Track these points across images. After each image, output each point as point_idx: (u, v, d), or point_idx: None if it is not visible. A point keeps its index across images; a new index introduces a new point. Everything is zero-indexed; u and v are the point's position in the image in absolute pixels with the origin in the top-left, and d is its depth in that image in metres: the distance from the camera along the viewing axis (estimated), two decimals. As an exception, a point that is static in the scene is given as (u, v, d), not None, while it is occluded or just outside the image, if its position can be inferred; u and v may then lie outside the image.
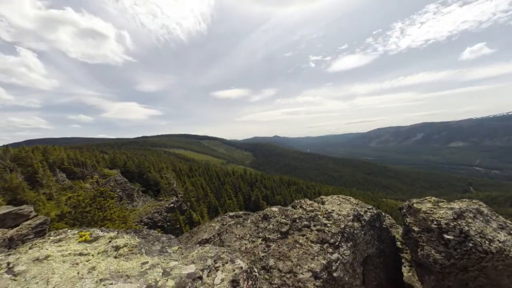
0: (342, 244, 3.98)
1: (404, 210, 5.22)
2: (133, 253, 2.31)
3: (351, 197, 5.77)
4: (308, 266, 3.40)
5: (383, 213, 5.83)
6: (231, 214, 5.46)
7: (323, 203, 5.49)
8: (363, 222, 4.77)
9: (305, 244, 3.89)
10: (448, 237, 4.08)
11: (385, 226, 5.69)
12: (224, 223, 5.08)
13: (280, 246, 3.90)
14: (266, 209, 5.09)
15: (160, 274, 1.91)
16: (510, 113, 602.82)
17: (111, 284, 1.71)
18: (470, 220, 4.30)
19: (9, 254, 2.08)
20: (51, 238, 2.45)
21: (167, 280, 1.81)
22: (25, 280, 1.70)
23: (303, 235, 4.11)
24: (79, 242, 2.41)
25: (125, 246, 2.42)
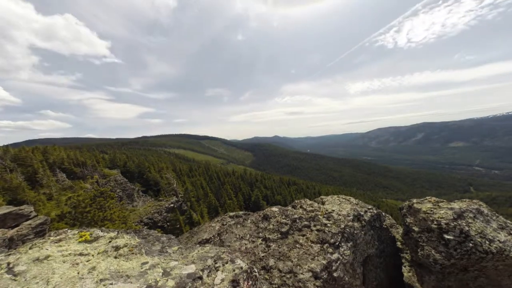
0: (342, 244, 3.97)
1: (404, 210, 5.22)
2: (133, 253, 2.31)
3: (351, 197, 5.77)
4: (308, 266, 3.40)
5: (383, 213, 5.83)
6: (231, 214, 5.45)
7: (323, 203, 5.48)
8: (363, 222, 4.77)
9: (305, 244, 3.89)
10: (448, 237, 4.08)
11: (385, 226, 5.68)
12: (224, 223, 5.07)
13: (280, 246, 3.90)
14: (266, 209, 5.09)
15: (160, 274, 1.91)
16: (510, 113, 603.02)
17: (111, 284, 1.71)
18: (470, 220, 4.30)
19: (9, 254, 2.08)
20: (51, 238, 2.45)
21: (167, 280, 1.81)
22: (25, 280, 1.70)
23: (303, 235, 4.11)
24: (79, 242, 2.41)
25: (125, 246, 2.42)
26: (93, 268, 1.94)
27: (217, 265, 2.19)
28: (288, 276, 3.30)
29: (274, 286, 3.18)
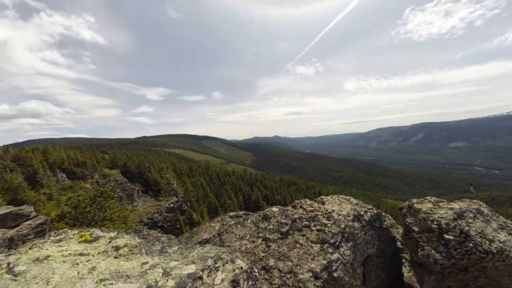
0: (342, 244, 3.97)
1: (404, 210, 5.22)
2: (133, 253, 2.31)
3: (351, 197, 5.77)
4: (308, 266, 3.40)
5: (383, 213, 5.83)
6: (231, 214, 5.45)
7: (323, 203, 5.48)
8: (363, 222, 4.77)
9: (305, 244, 3.89)
10: (449, 237, 4.08)
11: (385, 226, 5.68)
12: (224, 223, 5.07)
13: (280, 246, 3.90)
14: (266, 209, 5.09)
15: (160, 274, 1.91)
16: (510, 113, 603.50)
17: (111, 284, 1.71)
18: (470, 220, 4.30)
19: (9, 254, 2.08)
20: (51, 238, 2.45)
21: (167, 280, 1.81)
22: (25, 280, 1.70)
23: (303, 235, 4.11)
24: (79, 242, 2.41)
25: (125, 246, 2.42)
26: (93, 268, 1.94)
27: (217, 265, 2.19)
28: (288, 276, 3.30)
29: (274, 286, 3.18)
